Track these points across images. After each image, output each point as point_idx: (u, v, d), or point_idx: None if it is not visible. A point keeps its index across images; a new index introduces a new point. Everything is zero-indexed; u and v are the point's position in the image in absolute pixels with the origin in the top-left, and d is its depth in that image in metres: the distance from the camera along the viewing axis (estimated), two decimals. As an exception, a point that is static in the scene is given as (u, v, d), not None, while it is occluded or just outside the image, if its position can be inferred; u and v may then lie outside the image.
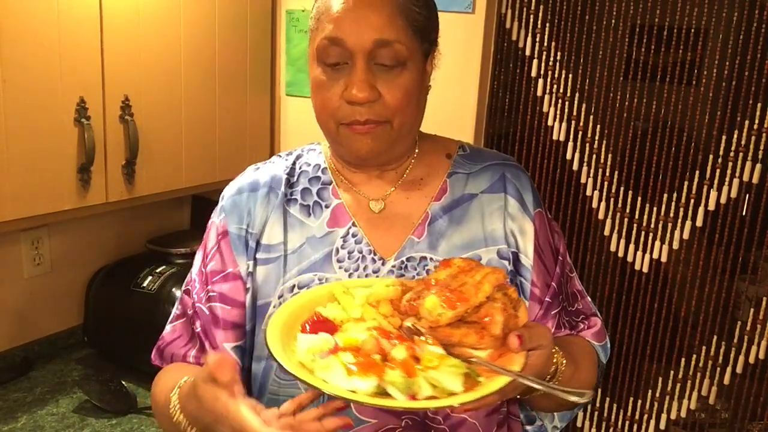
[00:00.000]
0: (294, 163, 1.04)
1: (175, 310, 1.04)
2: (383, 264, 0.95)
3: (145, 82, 1.67)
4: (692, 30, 1.78)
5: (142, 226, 2.12)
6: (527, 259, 0.97)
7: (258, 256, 0.97)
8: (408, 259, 0.95)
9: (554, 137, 1.96)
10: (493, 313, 0.74)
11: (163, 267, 1.87)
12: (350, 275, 0.95)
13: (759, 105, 1.73)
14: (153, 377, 1.00)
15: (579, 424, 2.12)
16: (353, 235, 0.97)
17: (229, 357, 0.72)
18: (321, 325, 0.79)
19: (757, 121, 1.74)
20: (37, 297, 1.87)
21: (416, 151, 1.02)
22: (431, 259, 0.95)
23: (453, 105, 1.95)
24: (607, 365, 2.07)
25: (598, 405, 2.10)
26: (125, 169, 1.65)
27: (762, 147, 1.75)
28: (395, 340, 0.75)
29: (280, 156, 1.07)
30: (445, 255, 0.95)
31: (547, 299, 0.98)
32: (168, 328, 1.04)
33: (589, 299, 1.07)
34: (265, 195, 1.00)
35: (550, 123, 1.96)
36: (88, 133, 1.53)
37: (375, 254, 0.96)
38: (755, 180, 1.77)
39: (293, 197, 1.00)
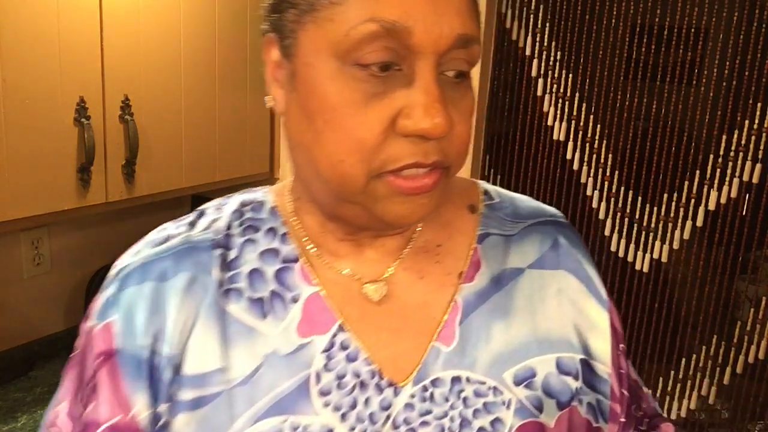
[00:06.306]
0: (230, 226, 0.65)
1: None
2: (396, 393, 0.60)
3: (145, 82, 1.67)
4: (692, 30, 1.78)
5: (142, 226, 2.11)
6: (605, 367, 0.65)
7: (179, 395, 0.58)
8: (434, 382, 0.61)
9: (554, 137, 1.96)
10: None
11: (163, 267, 1.87)
12: (343, 416, 0.59)
13: (759, 105, 1.73)
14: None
15: (579, 424, 2.12)
16: (343, 347, 0.60)
17: None
18: None
19: (757, 121, 1.74)
20: (37, 297, 1.87)
21: None
22: (468, 379, 0.61)
23: (453, 105, 1.95)
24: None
25: (598, 405, 2.10)
26: (125, 169, 1.65)
27: (762, 147, 1.75)
28: None
29: (206, 213, 0.68)
30: (486, 372, 0.61)
31: (622, 419, 0.67)
32: None
33: (646, 389, 0.75)
34: (186, 286, 0.61)
35: (550, 123, 1.96)
36: (88, 133, 1.53)
37: (381, 377, 0.60)
38: (755, 180, 1.77)
39: (234, 286, 0.62)
